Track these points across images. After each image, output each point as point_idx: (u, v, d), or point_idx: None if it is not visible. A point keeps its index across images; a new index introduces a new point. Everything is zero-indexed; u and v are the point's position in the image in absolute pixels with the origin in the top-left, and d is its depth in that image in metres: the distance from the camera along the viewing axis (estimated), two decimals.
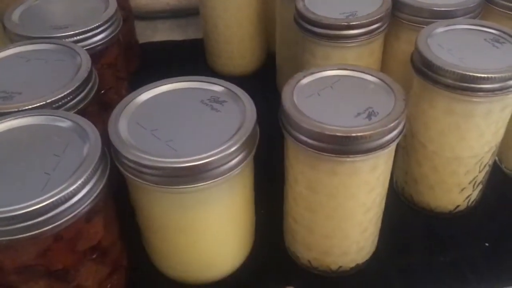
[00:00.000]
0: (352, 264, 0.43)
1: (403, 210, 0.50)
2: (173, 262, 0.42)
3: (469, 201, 0.48)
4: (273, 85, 0.68)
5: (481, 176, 0.46)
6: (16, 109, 0.39)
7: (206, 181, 0.36)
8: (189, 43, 0.79)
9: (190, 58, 0.74)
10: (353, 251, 0.42)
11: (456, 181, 0.46)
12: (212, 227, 0.40)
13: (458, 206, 0.48)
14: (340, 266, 0.43)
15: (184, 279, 0.43)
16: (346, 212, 0.39)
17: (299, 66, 0.53)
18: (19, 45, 0.47)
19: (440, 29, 0.44)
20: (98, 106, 0.48)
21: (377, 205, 0.40)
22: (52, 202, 0.32)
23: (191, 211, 0.38)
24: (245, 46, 0.68)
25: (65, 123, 0.38)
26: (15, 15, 0.52)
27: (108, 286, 0.40)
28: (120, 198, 0.40)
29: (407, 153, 0.47)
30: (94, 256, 0.38)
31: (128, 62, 0.62)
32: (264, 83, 0.68)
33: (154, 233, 0.41)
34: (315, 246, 0.42)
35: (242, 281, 0.44)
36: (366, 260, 0.44)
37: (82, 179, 0.33)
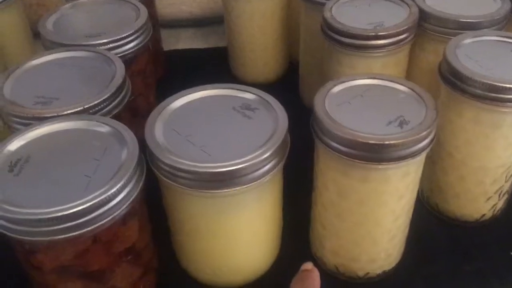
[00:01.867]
0: (379, 271, 0.44)
1: (428, 219, 0.50)
2: (203, 265, 0.43)
3: (494, 210, 0.48)
4: (296, 93, 0.69)
5: (507, 186, 0.47)
6: (55, 114, 0.40)
7: (238, 186, 0.36)
8: (211, 51, 0.80)
9: (213, 65, 0.75)
10: (381, 258, 0.43)
11: (482, 191, 0.46)
12: (242, 231, 0.41)
13: (483, 215, 0.48)
14: (368, 273, 0.44)
15: (213, 282, 0.44)
16: (376, 219, 0.39)
17: (324, 74, 0.54)
18: (54, 52, 0.48)
19: (468, 40, 0.45)
20: (129, 112, 0.49)
21: (406, 213, 0.41)
22: (93, 204, 0.33)
23: (223, 215, 0.39)
24: (268, 53, 0.69)
25: (103, 128, 0.39)
26: (49, 23, 0.54)
27: (141, 287, 0.41)
28: (151, 201, 0.41)
29: (433, 161, 0.48)
30: (128, 258, 0.39)
31: (155, 70, 0.64)
32: (286, 91, 0.68)
33: (185, 236, 0.42)
34: (343, 252, 0.43)
35: (268, 285, 0.45)
36: (393, 267, 0.45)
37: (121, 183, 0.34)
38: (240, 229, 0.40)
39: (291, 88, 0.69)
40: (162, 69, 0.72)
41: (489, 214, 0.49)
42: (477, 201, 0.47)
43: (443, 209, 0.50)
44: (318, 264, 0.46)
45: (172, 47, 0.81)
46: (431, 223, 0.50)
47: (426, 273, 0.46)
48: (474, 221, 0.49)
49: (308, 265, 0.40)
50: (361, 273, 0.44)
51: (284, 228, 0.46)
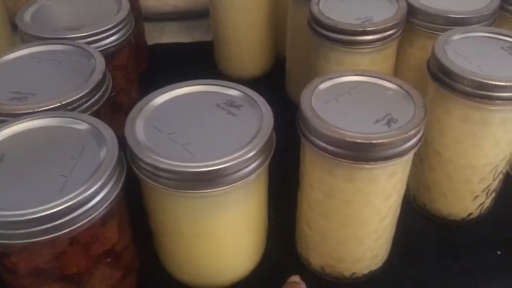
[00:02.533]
0: (366, 271, 0.43)
1: (415, 218, 0.50)
2: (186, 267, 0.42)
3: (481, 209, 0.48)
4: (282, 89, 0.68)
5: (494, 184, 0.46)
6: (31, 110, 0.39)
7: (222, 186, 0.35)
8: (196, 45, 0.78)
9: (198, 60, 0.74)
10: (367, 258, 0.42)
11: (469, 189, 0.46)
12: (226, 232, 0.40)
13: (470, 213, 0.48)
14: (354, 273, 0.43)
15: (196, 283, 0.43)
16: (362, 219, 0.39)
17: (311, 70, 0.53)
18: (32, 46, 0.47)
19: (457, 36, 0.44)
20: (110, 107, 0.48)
21: (393, 213, 0.40)
22: (70, 205, 0.32)
23: (206, 216, 0.38)
24: (254, 49, 0.68)
25: (81, 125, 0.37)
26: (27, 15, 0.52)
27: None
28: (131, 201, 0.40)
29: (421, 160, 0.47)
30: (108, 260, 0.37)
31: (138, 64, 0.62)
32: (272, 87, 0.67)
33: (168, 237, 0.40)
34: (329, 252, 0.42)
35: (253, 286, 0.44)
36: (379, 267, 0.44)
37: (99, 183, 0.33)
38: (224, 230, 0.39)
39: (277, 84, 0.68)
40: (145, 64, 0.71)
41: (476, 213, 0.48)
42: (464, 200, 0.47)
43: (430, 208, 0.49)
44: (303, 264, 0.45)
45: (156, 41, 0.79)
46: (418, 222, 0.49)
47: (413, 272, 0.45)
48: (461, 220, 0.49)
49: (296, 278, 0.40)
50: (347, 273, 0.43)
51: (270, 228, 0.46)
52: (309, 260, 0.44)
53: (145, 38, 0.73)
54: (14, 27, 0.66)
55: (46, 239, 0.32)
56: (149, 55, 0.73)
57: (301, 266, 0.45)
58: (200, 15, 0.85)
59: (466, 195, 0.46)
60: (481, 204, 0.47)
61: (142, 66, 0.69)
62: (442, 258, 0.46)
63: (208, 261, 0.41)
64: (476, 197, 0.46)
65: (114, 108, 0.50)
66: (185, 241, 0.40)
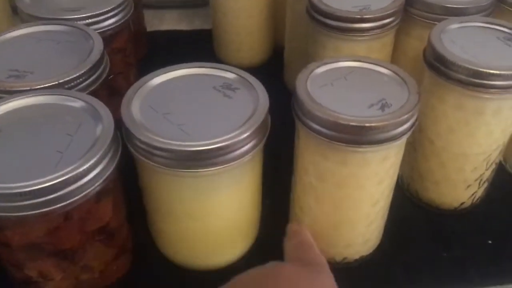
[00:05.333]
0: (357, 256, 0.44)
1: (407, 206, 0.50)
2: (179, 247, 0.43)
3: (474, 198, 0.48)
4: (280, 78, 0.68)
5: (487, 174, 0.47)
6: (28, 88, 0.39)
7: (217, 166, 0.36)
8: (196, 33, 0.79)
9: (197, 48, 0.74)
10: (358, 243, 0.42)
11: (462, 178, 0.46)
12: (219, 213, 0.40)
13: (463, 203, 0.48)
14: (345, 258, 0.43)
15: (189, 264, 0.43)
16: (354, 203, 0.39)
17: (309, 58, 0.53)
18: (31, 26, 0.47)
19: (453, 26, 0.44)
20: (108, 90, 0.48)
21: (385, 198, 0.41)
22: (64, 180, 0.32)
23: (201, 196, 0.38)
24: (253, 37, 0.68)
25: (77, 103, 0.38)
26: None
27: (114, 268, 0.40)
28: (126, 182, 0.40)
29: (414, 148, 0.47)
30: (102, 237, 0.38)
31: (136, 49, 0.62)
32: (271, 76, 0.66)
33: (162, 216, 0.41)
34: (321, 236, 0.42)
35: (247, 268, 0.44)
36: (371, 253, 0.45)
37: (94, 159, 0.33)
38: (217, 210, 0.40)
39: (275, 73, 0.68)
40: (144, 50, 0.71)
41: (468, 202, 0.49)
42: (457, 189, 0.47)
43: (423, 196, 0.49)
44: None
45: (156, 28, 0.79)
46: (411, 211, 0.50)
47: (404, 259, 0.46)
48: (453, 209, 0.49)
49: (294, 226, 0.41)
50: (338, 258, 0.43)
51: (263, 211, 0.46)
52: None
53: (144, 24, 0.73)
54: (14, 10, 0.67)
55: (40, 212, 0.32)
56: (148, 42, 0.73)
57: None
58: (200, 3, 0.85)
59: (459, 184, 0.47)
60: (473, 194, 0.48)
61: (141, 52, 0.69)
62: (433, 246, 0.47)
63: (200, 242, 0.41)
64: (468, 186, 0.47)
65: (111, 92, 0.50)
66: (178, 221, 0.40)
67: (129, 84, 0.57)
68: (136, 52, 0.62)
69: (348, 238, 0.42)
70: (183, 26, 0.81)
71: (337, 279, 0.44)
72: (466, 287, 0.44)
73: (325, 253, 0.43)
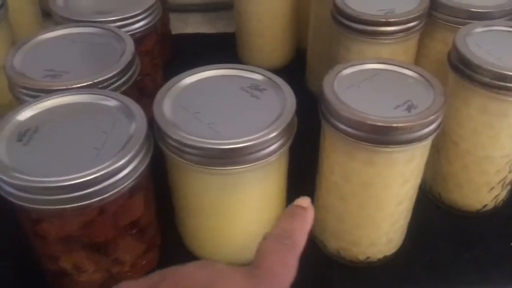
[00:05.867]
0: (380, 256, 0.44)
1: (430, 208, 0.51)
2: (205, 243, 0.44)
3: (496, 200, 0.49)
4: (302, 81, 0.69)
5: (510, 176, 0.47)
6: (64, 87, 0.40)
7: (245, 164, 0.37)
8: (219, 36, 0.80)
9: (220, 50, 0.75)
10: (382, 242, 0.43)
11: (485, 180, 0.47)
12: (246, 210, 0.41)
13: (485, 205, 0.49)
14: (368, 257, 0.44)
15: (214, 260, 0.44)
16: (379, 203, 0.40)
17: (332, 60, 0.54)
18: (65, 27, 0.49)
19: (478, 29, 0.45)
20: (136, 91, 0.49)
21: (409, 198, 0.41)
22: (101, 175, 0.33)
23: (227, 193, 0.39)
24: (276, 40, 0.69)
25: (112, 102, 0.39)
26: None
27: (143, 263, 0.42)
28: (155, 180, 0.42)
29: (438, 151, 0.48)
30: (133, 232, 0.39)
31: (162, 52, 0.64)
32: (293, 78, 0.67)
33: (190, 213, 0.42)
34: (344, 235, 0.43)
35: None
36: (394, 253, 0.45)
37: (129, 156, 0.35)
38: (244, 207, 0.41)
39: (297, 76, 0.69)
40: (169, 52, 0.72)
41: (491, 205, 0.49)
42: (480, 191, 0.48)
43: (445, 198, 0.50)
44: (318, 247, 0.46)
45: (180, 31, 0.81)
46: (433, 213, 0.50)
47: (426, 260, 0.46)
48: (476, 211, 0.49)
49: (304, 201, 0.36)
50: (362, 257, 0.44)
51: None
52: (324, 243, 0.45)
53: (169, 28, 0.75)
54: (44, 14, 0.69)
55: (78, 206, 0.33)
56: (173, 45, 0.75)
57: (316, 249, 0.46)
58: (222, 7, 0.86)
59: (482, 187, 0.47)
60: (496, 196, 0.48)
61: (166, 54, 0.71)
62: (455, 247, 0.47)
63: (226, 238, 0.43)
64: (491, 189, 0.47)
65: (139, 92, 0.52)
66: (205, 217, 0.41)
67: (156, 85, 0.59)
68: (162, 54, 0.63)
69: (371, 237, 0.42)
70: (206, 29, 0.83)
71: (360, 279, 0.45)
72: None
73: (348, 252, 0.44)
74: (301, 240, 0.34)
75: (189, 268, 0.31)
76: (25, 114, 0.38)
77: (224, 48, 0.75)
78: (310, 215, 0.36)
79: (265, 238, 0.34)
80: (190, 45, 0.77)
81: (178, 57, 0.73)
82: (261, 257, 0.32)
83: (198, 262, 0.32)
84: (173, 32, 0.77)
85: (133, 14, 0.52)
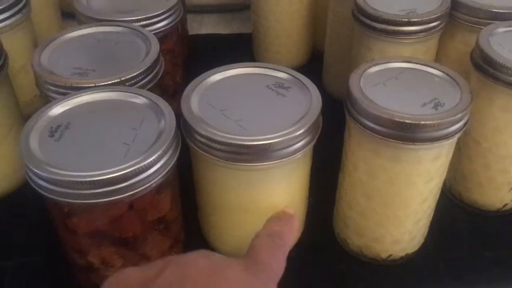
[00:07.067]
0: (402, 253, 0.45)
1: (450, 207, 0.51)
2: (228, 239, 0.44)
3: None
4: (318, 82, 0.68)
5: None
6: (93, 84, 0.41)
7: (271, 161, 0.37)
8: (235, 36, 0.81)
9: (237, 50, 0.76)
10: (404, 240, 0.43)
11: (506, 180, 0.47)
12: (270, 206, 0.41)
13: (506, 204, 0.49)
14: (390, 255, 0.44)
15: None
16: (403, 200, 0.40)
17: (352, 60, 0.55)
18: (90, 27, 0.49)
19: (500, 29, 0.45)
20: (158, 89, 0.50)
21: (433, 197, 0.41)
22: (132, 171, 0.34)
23: (252, 189, 0.40)
24: (293, 40, 0.69)
25: (140, 100, 0.40)
26: None
27: None
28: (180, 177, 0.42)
29: (459, 149, 0.48)
30: (160, 227, 0.39)
31: (182, 51, 0.64)
32: (309, 78, 0.69)
33: (215, 209, 0.42)
34: (367, 233, 0.43)
35: (290, 262, 0.45)
36: (415, 251, 0.45)
37: (159, 152, 0.35)
38: (268, 204, 0.41)
39: (314, 76, 0.68)
40: (186, 52, 0.73)
41: (511, 204, 0.49)
42: (500, 190, 0.48)
43: (466, 197, 0.50)
44: (341, 245, 0.47)
45: (196, 32, 0.82)
46: (454, 212, 0.51)
47: (447, 258, 0.46)
48: (496, 210, 0.49)
49: (290, 210, 0.39)
50: (384, 255, 0.44)
51: (308, 208, 0.47)
52: (346, 240, 0.46)
53: (187, 28, 0.75)
54: (64, 14, 0.70)
55: (109, 201, 0.34)
56: (190, 45, 0.75)
57: (338, 247, 0.47)
58: (238, 8, 0.87)
59: (503, 186, 0.47)
60: None
61: (184, 54, 0.71)
62: (476, 246, 0.47)
63: (250, 234, 0.43)
64: None
65: (160, 90, 0.52)
66: (230, 213, 0.42)
67: (176, 84, 0.60)
68: (182, 53, 0.64)
69: (394, 235, 0.43)
70: (221, 29, 0.84)
71: (382, 276, 0.45)
72: (508, 286, 0.45)
73: (371, 249, 0.44)
74: (290, 241, 0.37)
75: (192, 256, 0.32)
76: (57, 110, 0.38)
77: (240, 48, 0.76)
78: (296, 222, 0.39)
79: (257, 235, 0.36)
80: (207, 45, 0.77)
81: (195, 57, 0.73)
82: (255, 251, 0.34)
83: (199, 251, 0.33)
84: (190, 32, 0.78)
85: (157, 13, 0.52)
